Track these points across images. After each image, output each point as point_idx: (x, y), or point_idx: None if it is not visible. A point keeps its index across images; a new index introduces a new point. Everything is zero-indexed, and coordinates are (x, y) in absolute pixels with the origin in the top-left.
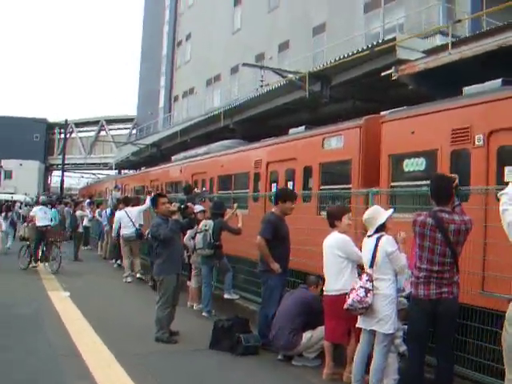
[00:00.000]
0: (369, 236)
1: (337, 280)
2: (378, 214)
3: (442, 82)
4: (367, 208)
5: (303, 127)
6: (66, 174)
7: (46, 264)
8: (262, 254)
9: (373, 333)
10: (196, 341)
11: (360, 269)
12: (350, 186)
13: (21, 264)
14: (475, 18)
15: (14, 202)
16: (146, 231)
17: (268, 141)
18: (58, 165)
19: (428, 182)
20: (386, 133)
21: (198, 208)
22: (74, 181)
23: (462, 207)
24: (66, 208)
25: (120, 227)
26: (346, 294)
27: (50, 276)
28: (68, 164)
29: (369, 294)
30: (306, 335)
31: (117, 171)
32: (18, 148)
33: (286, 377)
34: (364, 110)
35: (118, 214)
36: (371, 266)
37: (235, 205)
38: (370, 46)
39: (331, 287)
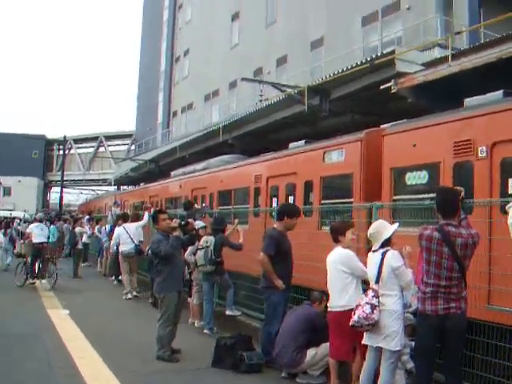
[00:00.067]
0: (374, 251)
1: (341, 296)
2: (384, 228)
3: (441, 95)
4: (370, 222)
5: (303, 141)
6: (64, 190)
7: (43, 281)
8: (265, 271)
9: (379, 350)
10: (198, 359)
11: (365, 284)
12: (352, 199)
13: (17, 281)
14: (473, 30)
15: (13, 218)
16: (146, 248)
17: (268, 155)
18: (56, 181)
19: (431, 195)
20: (387, 146)
21: (199, 224)
22: (73, 197)
23: (468, 220)
24: (65, 224)
25: (119, 243)
26: (351, 310)
27: (49, 293)
28: (67, 180)
29: (375, 311)
30: (310, 352)
31: (116, 187)
32: (16, 164)
33: None
34: (363, 123)
35: (116, 230)
36: (377, 281)
37: (236, 220)
38: (368, 59)
39: (335, 303)
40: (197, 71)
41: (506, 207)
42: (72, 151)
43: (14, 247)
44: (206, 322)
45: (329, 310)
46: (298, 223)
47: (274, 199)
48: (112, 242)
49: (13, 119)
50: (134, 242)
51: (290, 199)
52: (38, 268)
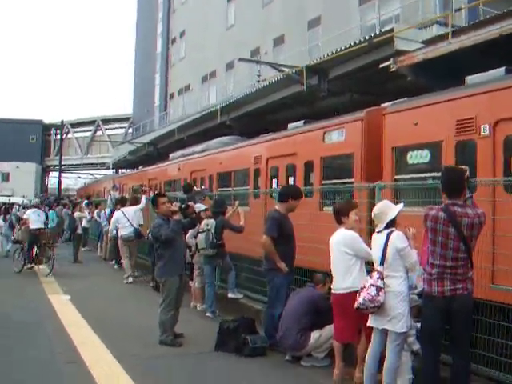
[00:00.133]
0: (378, 232)
1: (345, 278)
2: (389, 208)
3: (441, 73)
4: (372, 203)
5: (302, 122)
6: (63, 174)
7: (41, 266)
8: (267, 253)
9: (385, 332)
10: (201, 343)
11: (369, 266)
12: (353, 180)
13: (15, 267)
14: (473, 7)
15: (12, 204)
16: (146, 231)
17: (267, 136)
18: (54, 166)
19: (433, 174)
20: (388, 125)
21: (200, 207)
22: (72, 181)
23: (473, 200)
24: (64, 209)
25: (118, 228)
26: (356, 292)
27: (50, 279)
28: (65, 165)
29: (380, 293)
30: (314, 335)
31: (114, 171)
32: (14, 150)
33: (296, 378)
34: (361, 103)
35: (115, 214)
36: (382, 263)
37: (237, 202)
38: (367, 37)
39: (339, 285)
40: (193, 53)
41: None
42: (69, 135)
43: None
44: (208, 305)
45: (332, 292)
46: (299, 204)
47: (274, 180)
48: (110, 227)
49: (9, 105)
50: (132, 225)
51: (291, 180)
52: (36, 254)
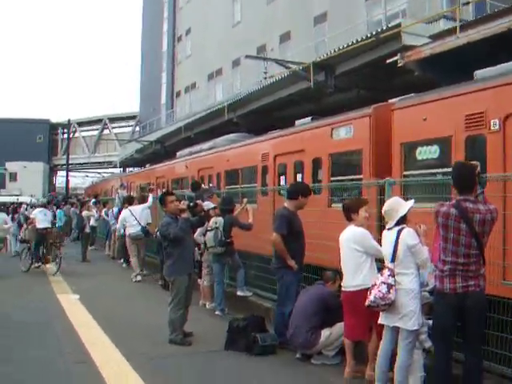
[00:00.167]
0: (389, 229)
1: (355, 275)
2: (399, 205)
3: (449, 68)
4: (381, 199)
5: (309, 118)
6: (70, 173)
7: (47, 265)
8: (277, 251)
9: (396, 329)
10: (210, 341)
11: (380, 263)
12: (361, 176)
13: (22, 266)
14: (480, 1)
15: (20, 203)
16: (154, 230)
17: (275, 133)
18: (62, 165)
19: (442, 169)
20: (397, 120)
21: (209, 205)
22: (79, 180)
23: (485, 195)
24: (72, 208)
25: (125, 226)
26: (366, 289)
27: (58, 278)
28: (72, 164)
29: (391, 290)
30: (325, 333)
31: (121, 169)
32: (21, 150)
33: (306, 376)
34: (368, 99)
35: (122, 213)
36: (393, 260)
37: (245, 200)
38: (373, 33)
39: (349, 283)
40: (199, 50)
41: None
42: (76, 134)
43: None
44: (218, 303)
45: (343, 289)
46: (308, 201)
47: (282, 177)
48: (118, 226)
49: (16, 104)
50: (140, 224)
51: (299, 177)
52: (43, 253)
